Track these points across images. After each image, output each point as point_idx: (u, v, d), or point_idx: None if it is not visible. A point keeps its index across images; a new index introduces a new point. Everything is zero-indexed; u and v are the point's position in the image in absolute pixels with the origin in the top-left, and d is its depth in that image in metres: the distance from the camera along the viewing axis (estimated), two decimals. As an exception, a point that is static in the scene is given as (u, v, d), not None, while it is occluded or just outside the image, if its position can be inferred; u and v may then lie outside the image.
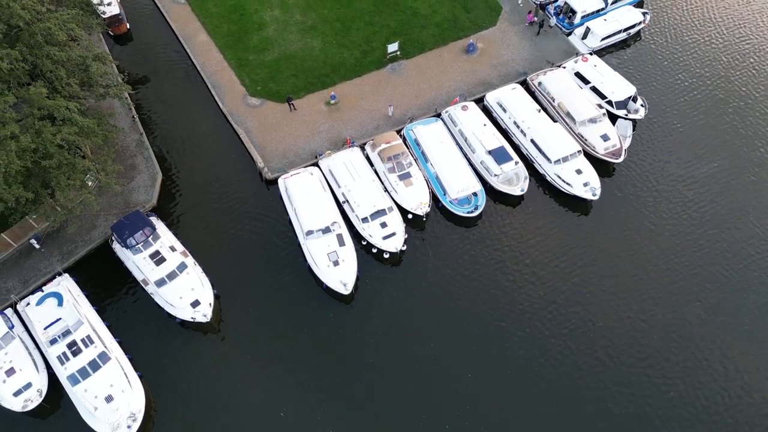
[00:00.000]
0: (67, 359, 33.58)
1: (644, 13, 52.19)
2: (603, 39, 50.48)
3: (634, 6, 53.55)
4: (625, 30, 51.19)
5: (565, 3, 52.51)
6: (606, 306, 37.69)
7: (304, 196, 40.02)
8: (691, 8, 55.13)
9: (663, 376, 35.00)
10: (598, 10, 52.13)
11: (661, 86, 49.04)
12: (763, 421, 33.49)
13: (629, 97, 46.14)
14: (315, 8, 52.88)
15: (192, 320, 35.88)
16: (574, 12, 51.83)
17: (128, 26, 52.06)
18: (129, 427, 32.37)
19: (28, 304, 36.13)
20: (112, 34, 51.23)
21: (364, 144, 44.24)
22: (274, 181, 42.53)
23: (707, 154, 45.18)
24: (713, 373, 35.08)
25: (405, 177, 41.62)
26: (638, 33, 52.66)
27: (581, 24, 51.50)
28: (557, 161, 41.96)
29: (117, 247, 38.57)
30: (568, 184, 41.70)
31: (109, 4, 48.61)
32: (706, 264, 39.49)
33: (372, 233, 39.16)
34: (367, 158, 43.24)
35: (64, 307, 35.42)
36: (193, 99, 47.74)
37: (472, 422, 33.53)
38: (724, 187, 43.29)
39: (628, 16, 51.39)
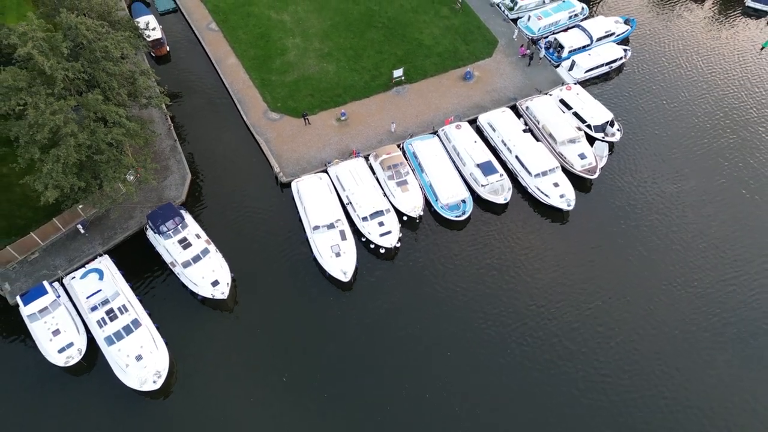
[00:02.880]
0: (105, 323, 39.41)
1: (625, 50, 58.18)
2: (587, 71, 56.45)
3: (618, 43, 59.71)
4: (608, 64, 57.15)
5: (555, 39, 58.82)
6: (571, 299, 42.62)
7: (312, 196, 46.02)
8: (668, 47, 60.94)
9: (620, 360, 39.68)
10: (584, 46, 58.28)
11: (637, 114, 54.64)
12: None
13: (607, 122, 51.76)
14: (332, 37, 59.80)
15: (211, 297, 41.61)
16: (562, 47, 58.03)
17: (168, 49, 59.40)
18: (154, 382, 37.89)
19: (73, 277, 42.22)
20: (154, 55, 58.54)
21: (368, 155, 50.28)
22: (288, 185, 48.64)
23: (676, 175, 50.36)
24: (668, 364, 39.70)
25: (402, 184, 47.46)
26: (621, 67, 58.56)
27: (568, 57, 57.63)
28: (537, 175, 47.51)
29: (150, 233, 44.70)
30: (546, 195, 47.14)
31: (153, 29, 56.07)
32: (667, 266, 44.31)
33: (371, 230, 44.84)
34: (370, 167, 49.18)
35: (104, 281, 41.43)
36: (221, 112, 54.43)
37: (449, 393, 38.40)
38: (689, 204, 48.29)
39: (610, 52, 57.42)
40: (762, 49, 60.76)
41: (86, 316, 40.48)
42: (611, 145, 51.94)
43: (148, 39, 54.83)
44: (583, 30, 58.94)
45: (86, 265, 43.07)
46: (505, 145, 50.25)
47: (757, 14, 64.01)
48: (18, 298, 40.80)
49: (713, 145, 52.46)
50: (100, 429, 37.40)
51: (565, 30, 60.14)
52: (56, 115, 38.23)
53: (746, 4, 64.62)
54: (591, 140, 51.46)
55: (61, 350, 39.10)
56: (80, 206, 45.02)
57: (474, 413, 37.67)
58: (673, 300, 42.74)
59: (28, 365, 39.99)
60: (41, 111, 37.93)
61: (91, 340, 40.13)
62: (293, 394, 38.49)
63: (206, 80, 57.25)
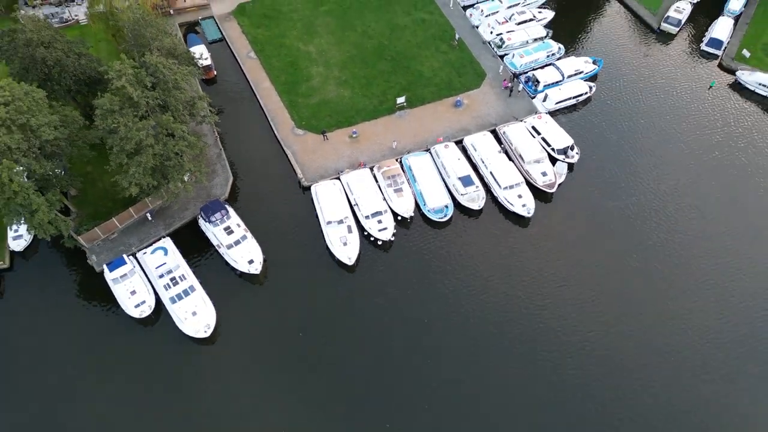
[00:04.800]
0: (169, 287, 52.93)
1: (590, 86, 70.08)
2: (557, 103, 68.50)
3: (587, 80, 71.63)
4: (575, 97, 69.12)
5: (533, 74, 70.92)
6: (527, 282, 55.06)
7: (327, 198, 59.05)
8: (629, 84, 72.49)
9: (565, 344, 52.04)
10: (556, 81, 70.28)
11: (595, 140, 66.57)
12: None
13: (568, 146, 63.83)
14: (349, 67, 72.67)
15: (248, 272, 54.89)
16: (538, 81, 70.18)
17: (215, 73, 72.88)
18: (205, 332, 51.30)
19: (144, 253, 55.85)
20: (203, 78, 72.00)
21: (373, 167, 63.04)
22: (308, 188, 61.64)
23: (621, 192, 62.27)
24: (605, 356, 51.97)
25: (398, 191, 60.20)
26: (586, 100, 70.49)
27: (542, 91, 69.69)
28: (505, 188, 59.94)
29: (202, 222, 58.08)
30: (511, 204, 59.54)
31: (205, 59, 69.66)
32: (611, 268, 56.44)
33: (371, 226, 57.71)
34: (374, 176, 61.96)
35: (168, 256, 54.96)
36: (257, 127, 67.60)
37: (427, 356, 51.11)
38: (630, 216, 60.22)
39: (577, 87, 69.40)
40: (709, 88, 72.14)
41: (155, 281, 54.04)
42: (570, 165, 63.98)
43: (200, 66, 68.33)
44: (557, 68, 70.98)
45: (153, 244, 56.68)
46: (482, 162, 62.67)
47: (709, 57, 75.30)
48: (104, 266, 54.53)
49: (655, 169, 64.15)
50: (164, 364, 50.88)
51: (542, 67, 72.17)
52: (140, 132, 51.66)
53: (701, 48, 75.96)
54: (554, 161, 63.59)
55: (136, 306, 52.70)
56: (149, 199, 58.56)
57: (437, 364, 50.37)
58: (600, 283, 54.86)
59: (110, 317, 53.67)
60: (129, 128, 51.44)
61: (157, 300, 53.64)
62: (306, 345, 51.57)
63: (245, 100, 70.47)
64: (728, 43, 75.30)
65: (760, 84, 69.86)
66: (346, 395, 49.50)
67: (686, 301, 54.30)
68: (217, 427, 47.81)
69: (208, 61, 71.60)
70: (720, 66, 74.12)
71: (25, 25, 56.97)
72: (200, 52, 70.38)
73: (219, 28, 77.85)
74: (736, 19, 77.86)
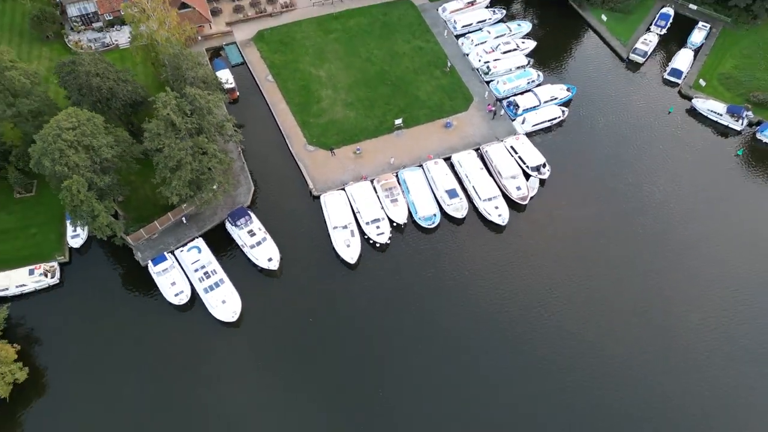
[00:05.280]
0: (203, 280, 64.19)
1: (563, 111, 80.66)
2: (533, 125, 79.13)
3: (561, 105, 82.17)
4: (549, 120, 79.76)
5: (514, 100, 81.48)
6: (502, 277, 66.07)
7: (334, 206, 70.11)
8: (599, 108, 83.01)
9: (538, 337, 63.03)
10: (534, 106, 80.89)
11: (564, 158, 77.14)
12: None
13: (540, 164, 74.51)
14: (354, 91, 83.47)
15: (267, 268, 66.09)
16: (518, 106, 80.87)
17: (238, 94, 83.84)
18: (233, 317, 62.58)
19: (181, 251, 67.10)
20: (228, 100, 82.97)
21: (373, 179, 73.92)
22: (318, 197, 72.59)
23: (586, 203, 72.96)
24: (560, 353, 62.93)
25: (394, 201, 71.14)
26: (560, 123, 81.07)
27: (521, 115, 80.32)
28: (484, 200, 70.79)
29: (229, 225, 69.22)
30: (489, 213, 70.41)
31: (230, 84, 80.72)
32: (575, 271, 67.30)
33: (370, 231, 68.71)
34: (374, 188, 72.87)
35: (202, 253, 66.23)
36: (274, 143, 78.57)
37: (412, 330, 62.22)
38: (593, 226, 70.95)
39: (552, 112, 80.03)
40: (669, 113, 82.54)
41: (191, 275, 65.30)
42: (542, 181, 74.69)
43: (226, 90, 79.24)
44: (535, 94, 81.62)
45: (188, 243, 67.92)
46: (466, 177, 73.53)
47: (671, 85, 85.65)
48: (149, 261, 65.85)
49: (618, 184, 74.78)
50: (200, 342, 62.19)
51: (522, 93, 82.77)
52: (181, 151, 62.78)
53: (664, 77, 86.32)
54: (528, 176, 74.30)
55: (176, 294, 64.00)
56: (184, 205, 69.70)
57: (420, 334, 61.50)
58: (564, 279, 65.75)
59: (153, 304, 64.93)
60: (172, 148, 62.52)
61: (193, 290, 64.86)
62: (315, 328, 62.82)
63: (264, 119, 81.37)
64: (688, 72, 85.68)
65: (710, 111, 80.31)
66: (345, 365, 60.83)
67: (637, 298, 65.13)
68: (243, 387, 59.25)
69: (232, 84, 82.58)
70: (679, 93, 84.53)
71: (84, 58, 67.97)
72: (225, 77, 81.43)
73: (241, 53, 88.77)
74: (697, 51, 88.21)
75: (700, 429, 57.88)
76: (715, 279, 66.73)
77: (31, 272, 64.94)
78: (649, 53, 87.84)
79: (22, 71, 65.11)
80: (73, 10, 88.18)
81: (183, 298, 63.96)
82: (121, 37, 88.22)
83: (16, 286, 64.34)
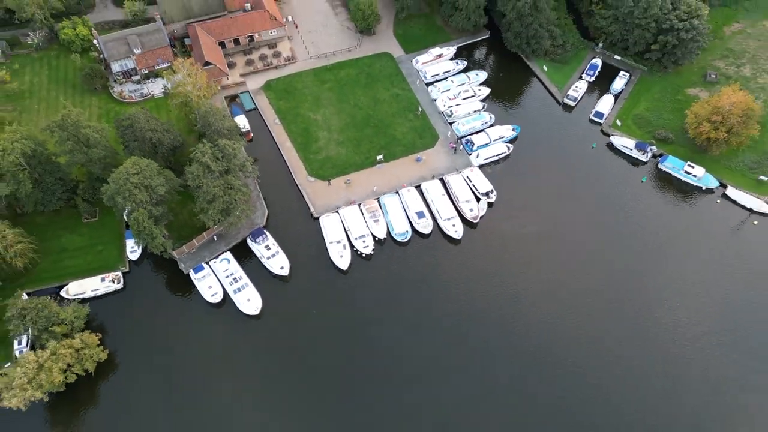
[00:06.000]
0: (232, 284, 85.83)
1: (509, 147, 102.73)
2: (485, 159, 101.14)
3: (508, 142, 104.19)
4: (497, 155, 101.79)
5: (471, 138, 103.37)
6: (456, 279, 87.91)
7: (330, 225, 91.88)
8: (534, 145, 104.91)
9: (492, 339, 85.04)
10: (486, 143, 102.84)
11: (509, 185, 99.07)
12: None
13: (489, 190, 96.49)
14: (345, 132, 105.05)
15: (279, 275, 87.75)
16: (473, 143, 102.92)
17: (252, 135, 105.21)
18: (256, 311, 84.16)
19: (215, 262, 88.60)
20: (245, 142, 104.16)
21: (360, 204, 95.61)
22: (317, 218, 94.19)
23: (525, 221, 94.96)
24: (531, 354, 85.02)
25: (376, 221, 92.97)
26: (506, 157, 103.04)
27: (476, 150, 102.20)
28: (444, 219, 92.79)
29: (250, 242, 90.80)
30: (447, 230, 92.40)
31: (246, 129, 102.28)
32: (515, 275, 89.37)
33: (358, 245, 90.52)
34: (360, 211, 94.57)
35: (230, 264, 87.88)
36: (282, 175, 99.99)
37: (391, 322, 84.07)
38: (531, 240, 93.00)
39: (500, 148, 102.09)
40: (592, 148, 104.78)
41: (222, 280, 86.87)
42: (490, 204, 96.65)
43: (243, 134, 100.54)
44: (487, 134, 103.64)
45: (219, 256, 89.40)
46: (432, 201, 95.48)
47: (595, 124, 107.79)
48: (191, 271, 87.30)
49: (551, 206, 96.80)
50: (233, 330, 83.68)
51: (477, 133, 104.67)
52: (215, 188, 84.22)
53: (589, 117, 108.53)
54: (479, 200, 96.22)
55: (212, 295, 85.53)
56: (216, 227, 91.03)
57: (393, 338, 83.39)
58: (503, 282, 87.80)
59: (195, 302, 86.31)
60: (209, 186, 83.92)
61: (224, 292, 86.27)
62: (316, 318, 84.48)
63: (273, 155, 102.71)
64: (608, 114, 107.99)
65: (623, 146, 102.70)
66: (340, 342, 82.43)
67: (575, 299, 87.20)
68: (260, 359, 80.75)
69: (248, 128, 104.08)
70: (601, 131, 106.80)
71: (139, 116, 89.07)
72: (242, 123, 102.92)
73: (253, 99, 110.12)
74: (617, 95, 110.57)
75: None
76: (616, 276, 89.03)
77: (102, 279, 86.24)
78: (579, 98, 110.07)
79: (93, 129, 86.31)
80: (116, 67, 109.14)
81: (217, 298, 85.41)
82: (156, 88, 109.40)
83: (91, 291, 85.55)
